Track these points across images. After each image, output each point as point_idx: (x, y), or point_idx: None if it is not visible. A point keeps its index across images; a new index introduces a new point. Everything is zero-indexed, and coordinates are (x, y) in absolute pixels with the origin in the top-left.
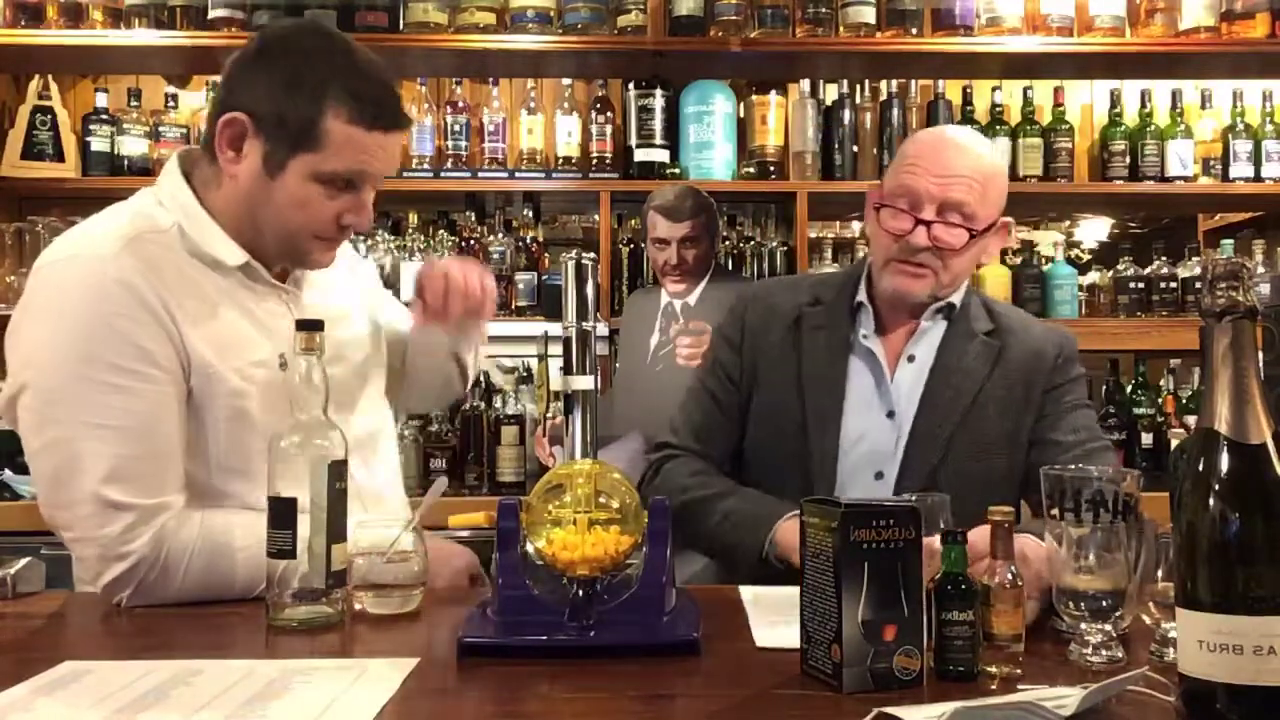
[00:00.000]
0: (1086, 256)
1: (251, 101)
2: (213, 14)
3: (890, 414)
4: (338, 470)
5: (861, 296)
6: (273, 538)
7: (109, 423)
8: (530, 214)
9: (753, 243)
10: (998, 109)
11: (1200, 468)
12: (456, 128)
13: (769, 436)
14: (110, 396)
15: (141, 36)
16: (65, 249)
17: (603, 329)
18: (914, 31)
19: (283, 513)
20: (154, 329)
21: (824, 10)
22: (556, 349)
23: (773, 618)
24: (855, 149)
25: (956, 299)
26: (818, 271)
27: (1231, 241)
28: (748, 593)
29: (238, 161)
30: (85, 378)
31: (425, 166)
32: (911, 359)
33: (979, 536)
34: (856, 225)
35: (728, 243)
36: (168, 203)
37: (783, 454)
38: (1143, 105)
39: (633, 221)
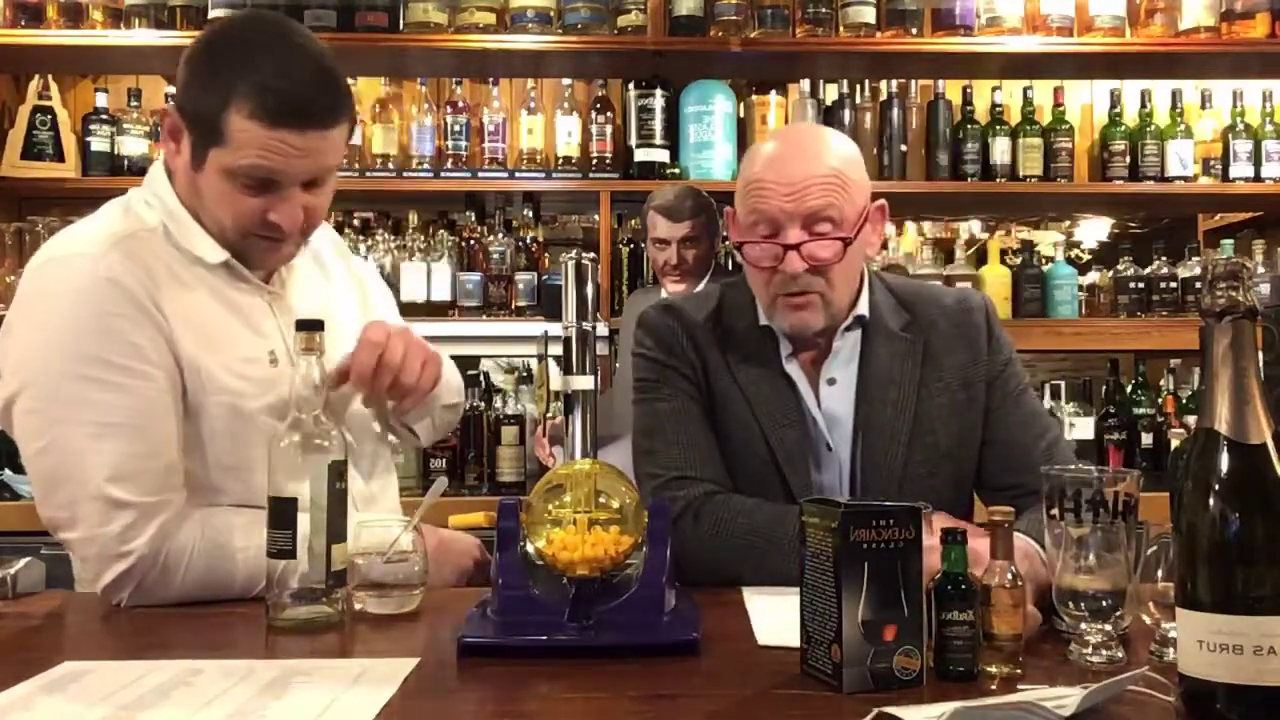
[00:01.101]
0: (1086, 256)
1: (180, 95)
2: (213, 14)
3: (827, 446)
4: (337, 470)
5: (765, 319)
6: (273, 538)
7: (108, 420)
8: (530, 214)
9: None
10: (998, 109)
11: (1200, 468)
12: (456, 128)
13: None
14: (108, 394)
15: (141, 36)
16: (55, 250)
17: (603, 329)
18: (914, 31)
19: (283, 512)
20: (146, 326)
21: (824, 10)
22: (556, 349)
23: (774, 616)
24: None
25: (864, 307)
26: (703, 290)
27: (1231, 241)
28: (748, 591)
29: (177, 155)
30: (81, 376)
31: (425, 166)
32: (832, 382)
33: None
34: None
35: (728, 243)
36: (153, 201)
37: (751, 492)
38: (1143, 105)
39: (633, 221)
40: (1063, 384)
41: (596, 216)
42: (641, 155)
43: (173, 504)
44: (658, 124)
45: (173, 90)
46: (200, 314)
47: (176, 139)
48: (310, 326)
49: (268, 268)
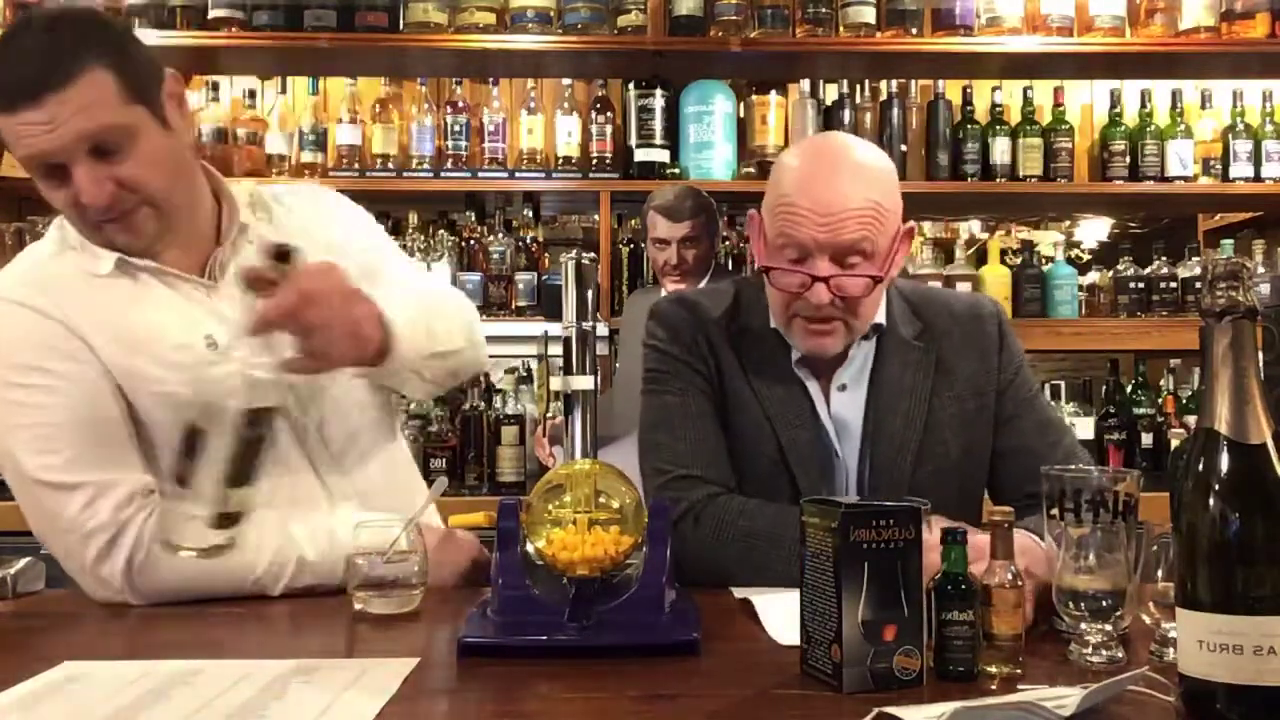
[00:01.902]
0: (1086, 256)
1: None
2: (213, 14)
3: (835, 453)
4: (257, 417)
5: (775, 323)
6: (179, 463)
7: (28, 420)
8: (530, 214)
9: None
10: (998, 109)
11: (1200, 468)
12: (456, 128)
13: (742, 474)
14: (22, 394)
15: (141, 36)
16: None
17: (603, 329)
18: (914, 31)
19: (191, 443)
20: (59, 333)
21: (824, 10)
22: (556, 349)
23: (783, 617)
24: None
25: (881, 316)
26: (718, 286)
27: (1231, 241)
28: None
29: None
30: (10, 384)
31: (425, 166)
32: (843, 388)
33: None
34: None
35: (728, 243)
36: (62, 225)
37: (760, 493)
38: (1143, 105)
39: (633, 221)
40: (1063, 384)
41: (596, 216)
42: (641, 155)
43: (129, 484)
44: (658, 124)
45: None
46: (117, 319)
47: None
48: (275, 256)
49: (136, 252)
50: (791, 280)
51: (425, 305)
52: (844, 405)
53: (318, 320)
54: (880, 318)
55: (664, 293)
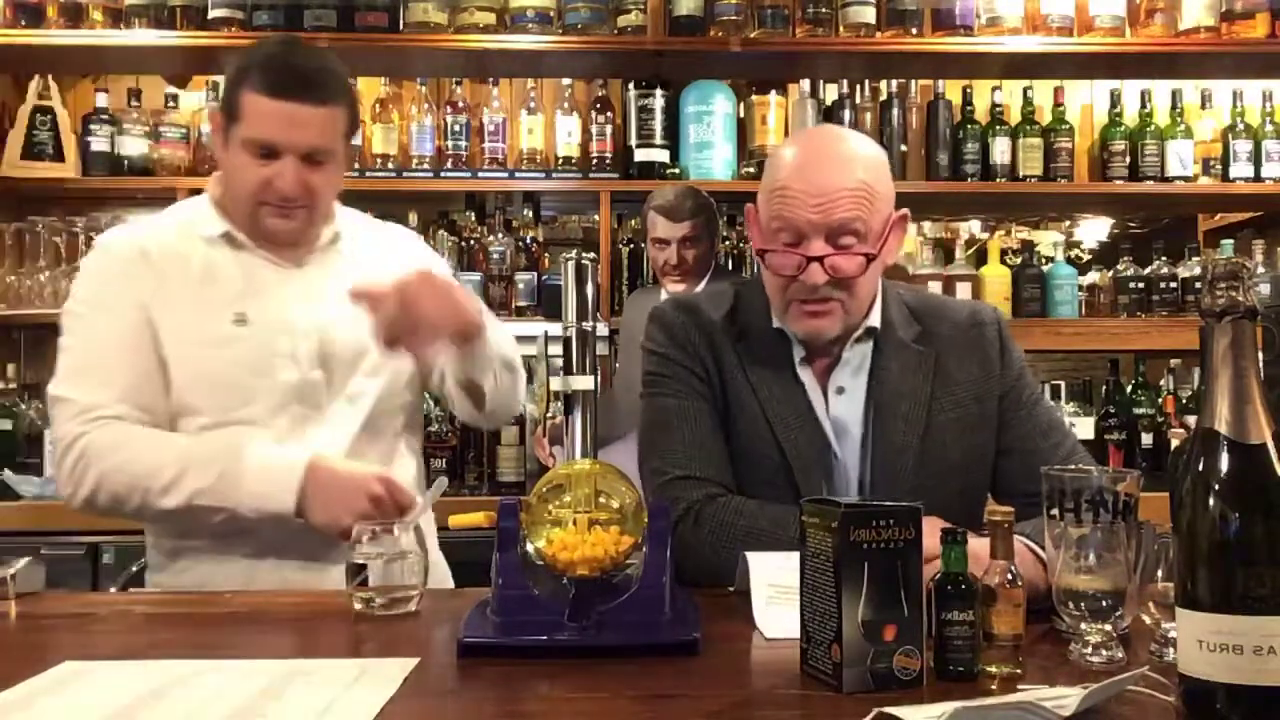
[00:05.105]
0: (1086, 256)
1: (221, 93)
2: (213, 14)
3: (834, 455)
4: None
5: (778, 322)
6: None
7: (67, 343)
8: (530, 214)
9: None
10: (998, 109)
11: (1200, 468)
12: (456, 128)
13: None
14: (74, 322)
15: (141, 36)
16: (100, 239)
17: (603, 329)
18: (914, 31)
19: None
20: (126, 287)
21: (824, 10)
22: (556, 349)
23: (777, 609)
24: None
25: (875, 318)
26: (717, 289)
27: (1231, 241)
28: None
29: (220, 148)
30: (68, 313)
31: (425, 166)
32: (841, 390)
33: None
34: None
35: (728, 243)
36: (186, 200)
37: (762, 494)
38: (1143, 105)
39: (633, 221)
40: (1063, 384)
41: (596, 216)
42: (641, 155)
43: (109, 407)
44: (658, 124)
45: (173, 90)
46: (180, 277)
47: (217, 132)
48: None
49: (281, 240)
50: (787, 262)
51: (497, 324)
52: (842, 408)
53: (428, 312)
54: (875, 320)
55: (664, 293)
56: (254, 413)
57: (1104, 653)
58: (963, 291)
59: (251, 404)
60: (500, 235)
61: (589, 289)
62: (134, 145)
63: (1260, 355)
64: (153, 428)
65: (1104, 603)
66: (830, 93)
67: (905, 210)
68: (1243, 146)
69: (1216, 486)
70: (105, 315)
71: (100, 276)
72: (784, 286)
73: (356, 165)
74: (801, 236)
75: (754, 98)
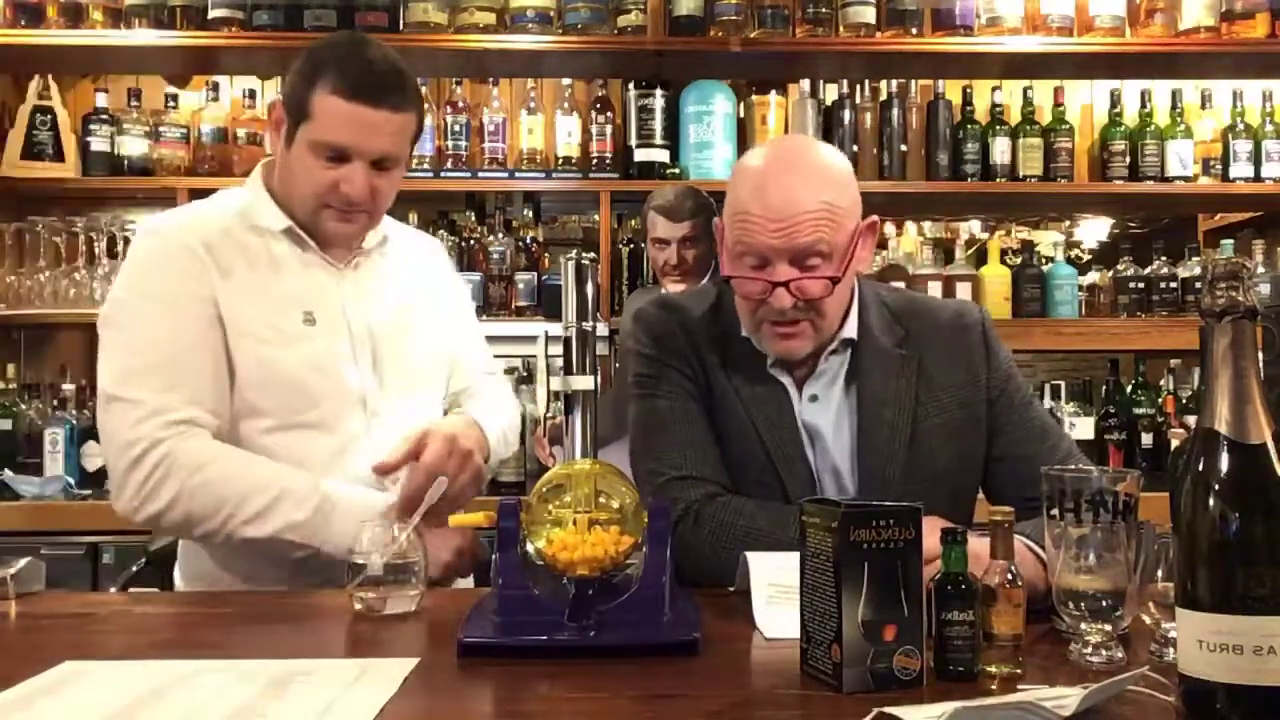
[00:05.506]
0: (1086, 256)
1: (283, 90)
2: (213, 14)
3: (805, 459)
4: None
5: (745, 330)
6: None
7: (124, 338)
8: (530, 214)
9: None
10: (998, 109)
11: (1200, 468)
12: (456, 128)
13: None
14: (128, 315)
15: (141, 36)
16: (148, 225)
17: (603, 329)
18: (914, 31)
19: None
20: (191, 279)
21: (824, 10)
22: (556, 349)
23: (777, 609)
24: (855, 149)
25: (852, 328)
26: (699, 288)
27: (1231, 241)
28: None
29: (277, 141)
30: (121, 303)
31: (425, 166)
32: (814, 399)
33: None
34: None
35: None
36: (237, 190)
37: (752, 493)
38: (1143, 105)
39: (633, 221)
40: (1063, 384)
41: (596, 216)
42: (641, 155)
43: (179, 410)
44: (658, 124)
45: (173, 90)
46: (246, 270)
47: (277, 128)
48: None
49: (338, 243)
50: (753, 288)
51: (505, 423)
52: (815, 415)
53: (453, 491)
54: (851, 330)
55: (664, 293)
56: (319, 416)
57: (1104, 653)
58: (963, 291)
59: (319, 406)
60: (500, 235)
61: (589, 289)
62: (134, 145)
63: (1260, 355)
64: (220, 433)
65: (1104, 603)
66: (830, 93)
67: (874, 218)
68: (1243, 146)
69: (1216, 486)
70: (166, 308)
71: (159, 267)
72: (753, 309)
73: None
74: (765, 261)
75: (754, 98)
